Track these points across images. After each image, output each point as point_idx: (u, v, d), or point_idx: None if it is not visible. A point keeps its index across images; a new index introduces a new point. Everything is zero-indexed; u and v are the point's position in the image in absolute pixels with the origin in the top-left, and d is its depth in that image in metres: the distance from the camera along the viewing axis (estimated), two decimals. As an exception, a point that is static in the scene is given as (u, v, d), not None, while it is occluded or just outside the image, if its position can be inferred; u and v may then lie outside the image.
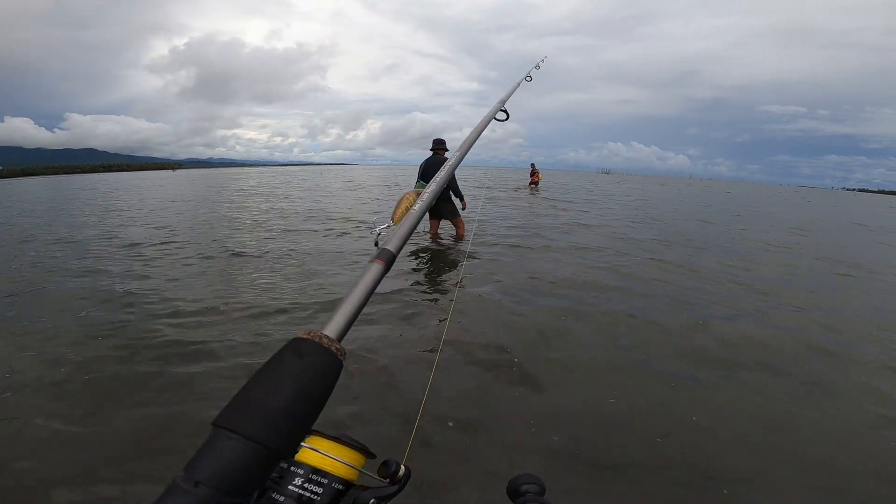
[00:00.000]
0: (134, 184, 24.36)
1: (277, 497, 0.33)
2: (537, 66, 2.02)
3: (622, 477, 1.60)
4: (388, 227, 0.55)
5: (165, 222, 7.83)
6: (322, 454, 0.36)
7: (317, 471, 0.35)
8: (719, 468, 1.65)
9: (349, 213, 8.78)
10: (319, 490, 0.35)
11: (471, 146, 0.77)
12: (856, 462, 1.73)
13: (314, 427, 0.34)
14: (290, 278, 3.94)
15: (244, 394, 0.30)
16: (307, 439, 0.37)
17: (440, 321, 2.99)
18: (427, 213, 0.74)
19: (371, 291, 0.39)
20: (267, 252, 5.05)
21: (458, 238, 5.62)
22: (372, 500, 0.37)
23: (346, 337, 0.37)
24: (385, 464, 0.39)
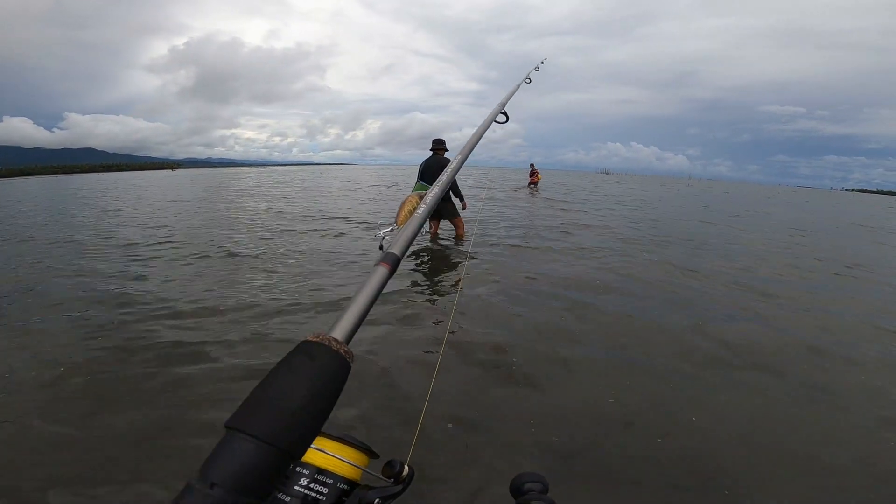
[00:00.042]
0: (133, 183, 24.35)
1: (283, 497, 0.34)
2: (536, 68, 2.02)
3: (622, 477, 1.60)
4: (392, 229, 0.55)
5: (163, 222, 7.83)
6: (327, 454, 0.36)
7: (322, 471, 0.36)
8: (719, 468, 1.65)
9: (348, 213, 8.78)
10: (325, 490, 0.35)
11: (472, 149, 0.77)
12: (856, 462, 1.73)
13: None
14: (288, 279, 3.94)
15: (257, 396, 0.30)
16: None
17: (440, 322, 2.99)
18: None
19: (377, 294, 0.40)
20: (265, 252, 5.05)
21: (458, 238, 5.62)
22: (377, 500, 0.37)
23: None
24: (389, 464, 0.40)
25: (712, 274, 4.51)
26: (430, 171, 5.44)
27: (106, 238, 6.25)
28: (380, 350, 2.46)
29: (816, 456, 1.75)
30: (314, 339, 0.34)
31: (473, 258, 4.75)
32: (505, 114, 1.12)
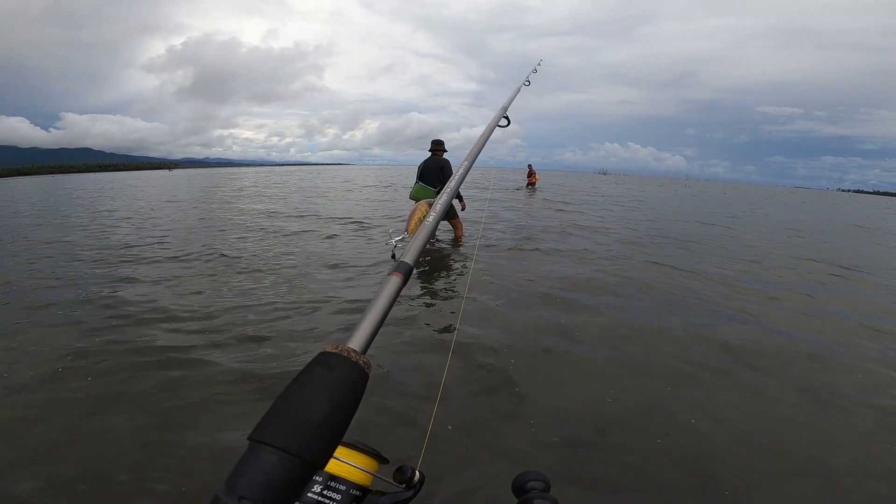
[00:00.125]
0: (129, 184, 24.26)
1: None
2: (535, 70, 2.03)
3: (622, 477, 1.61)
4: (403, 238, 0.55)
5: (157, 223, 7.80)
6: (339, 461, 0.37)
7: (334, 477, 0.36)
8: (719, 469, 1.66)
9: (346, 213, 8.77)
10: (338, 497, 0.35)
11: (477, 155, 0.78)
12: (855, 463, 1.74)
13: None
14: (281, 281, 3.93)
15: (279, 408, 0.30)
16: None
17: (444, 325, 3.00)
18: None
19: (391, 304, 0.40)
20: (262, 254, 5.04)
21: (456, 239, 5.63)
22: None
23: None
24: (400, 469, 0.40)
25: (711, 275, 4.53)
26: (428, 171, 5.44)
27: (100, 239, 6.23)
28: (382, 355, 2.45)
29: (816, 456, 1.76)
30: (333, 351, 0.34)
31: (473, 259, 4.76)
32: (506, 118, 1.13)
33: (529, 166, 18.36)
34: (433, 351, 2.54)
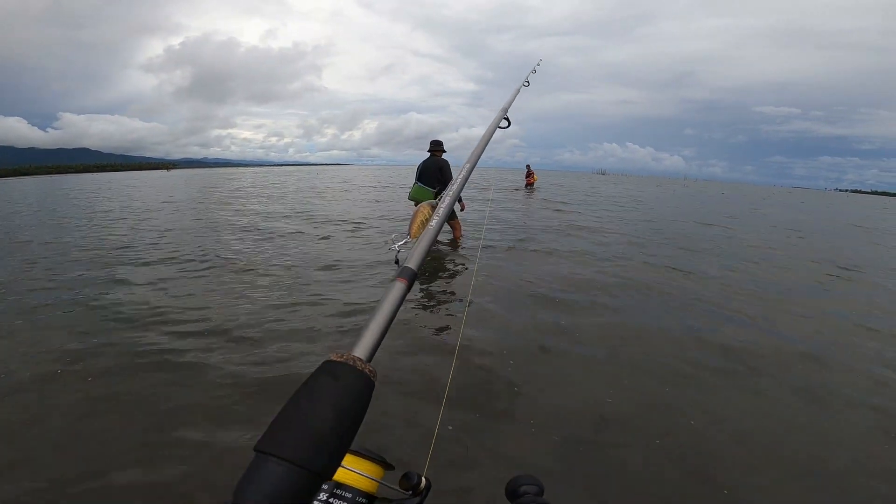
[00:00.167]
0: (126, 184, 24.20)
1: None
2: (534, 70, 2.02)
3: (621, 477, 1.61)
4: (406, 242, 0.55)
5: (154, 224, 7.79)
6: (344, 468, 0.36)
7: (340, 485, 0.36)
8: (718, 469, 1.66)
9: (344, 214, 8.77)
10: None
11: (478, 158, 0.78)
12: (854, 463, 1.75)
13: None
14: (282, 281, 3.92)
15: (284, 418, 0.30)
16: None
17: (442, 326, 2.99)
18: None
19: (396, 310, 0.39)
20: (259, 255, 5.03)
21: (455, 240, 5.63)
22: None
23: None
24: (406, 476, 0.40)
25: (710, 275, 4.54)
26: (427, 172, 5.44)
27: (97, 240, 6.22)
28: (384, 359, 2.45)
29: (814, 456, 1.77)
30: (338, 359, 0.33)
31: (473, 260, 4.76)
32: (507, 119, 1.13)
33: (528, 166, 18.32)
34: (435, 353, 2.54)
